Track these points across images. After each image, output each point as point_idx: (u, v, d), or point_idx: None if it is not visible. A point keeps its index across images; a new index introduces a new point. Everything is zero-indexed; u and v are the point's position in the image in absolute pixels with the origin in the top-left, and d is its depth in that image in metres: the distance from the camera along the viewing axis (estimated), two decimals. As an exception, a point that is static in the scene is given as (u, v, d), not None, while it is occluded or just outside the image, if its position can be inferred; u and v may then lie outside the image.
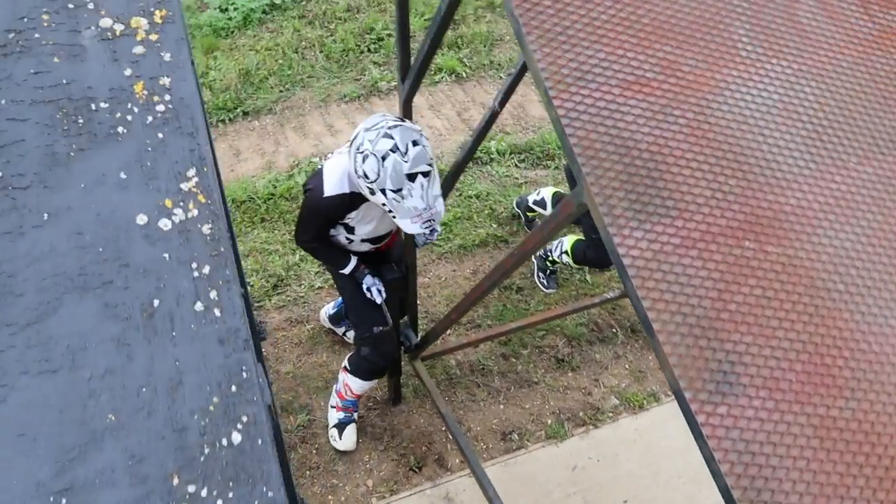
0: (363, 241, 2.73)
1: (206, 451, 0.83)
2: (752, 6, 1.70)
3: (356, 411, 3.15)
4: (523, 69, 2.49)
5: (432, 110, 5.13)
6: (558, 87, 1.43)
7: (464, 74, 5.31)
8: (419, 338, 3.02)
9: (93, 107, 0.95)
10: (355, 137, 2.26)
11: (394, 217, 2.26)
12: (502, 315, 3.78)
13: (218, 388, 0.86)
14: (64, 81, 0.96)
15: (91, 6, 1.00)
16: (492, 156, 4.71)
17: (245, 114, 4.88)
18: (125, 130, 0.95)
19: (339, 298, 3.55)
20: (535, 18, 1.49)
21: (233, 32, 5.17)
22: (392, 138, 2.16)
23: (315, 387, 3.36)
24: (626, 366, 3.60)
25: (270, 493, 0.82)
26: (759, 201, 1.44)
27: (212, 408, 0.85)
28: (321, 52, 5.14)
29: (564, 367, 3.55)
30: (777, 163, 1.51)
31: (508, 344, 3.64)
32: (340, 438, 3.11)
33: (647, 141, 1.43)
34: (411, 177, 2.17)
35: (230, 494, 0.82)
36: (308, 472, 2.99)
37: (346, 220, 2.58)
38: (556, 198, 3.98)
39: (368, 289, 2.75)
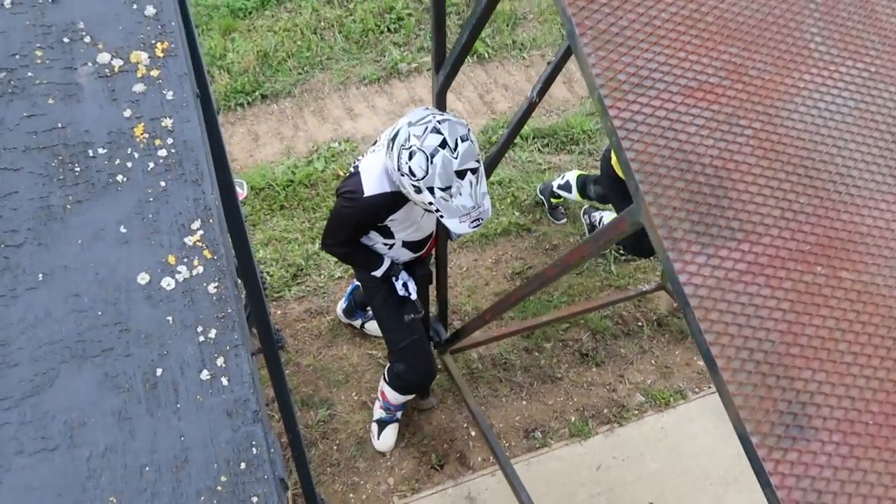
0: (404, 245, 2.62)
1: (214, 535, 0.77)
2: (825, 2, 1.54)
3: (399, 411, 3.11)
4: (564, 58, 2.32)
5: (453, 92, 5.00)
6: (614, 94, 1.31)
7: (486, 55, 5.16)
8: (448, 333, 2.95)
9: (90, 153, 0.88)
10: (397, 133, 2.15)
11: (441, 217, 2.17)
12: (524, 306, 3.71)
13: (226, 465, 0.80)
14: (59, 125, 0.89)
15: (88, 39, 0.92)
16: (514, 141, 4.59)
17: (263, 97, 4.80)
18: (125, 179, 0.88)
19: (350, 286, 3.51)
20: (589, 17, 1.37)
21: (250, 13, 5.06)
22: (440, 133, 2.06)
23: (335, 380, 3.34)
24: (653, 361, 3.52)
25: (282, 581, 0.77)
26: (833, 221, 1.32)
27: (219, 488, 0.79)
28: (340, 32, 5.02)
29: (588, 362, 3.48)
30: (852, 177, 1.38)
31: (531, 337, 3.57)
32: (378, 438, 3.09)
33: (711, 154, 1.32)
34: (460, 174, 2.07)
35: (240, 582, 0.76)
36: (329, 469, 2.97)
37: (387, 223, 2.46)
38: (581, 181, 3.88)
39: (405, 284, 2.66)
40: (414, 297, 2.69)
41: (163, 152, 0.90)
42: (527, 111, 2.34)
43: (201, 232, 0.87)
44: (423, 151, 2.06)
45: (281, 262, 3.85)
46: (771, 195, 1.31)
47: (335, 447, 3.08)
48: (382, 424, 3.09)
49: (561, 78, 5.21)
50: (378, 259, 2.62)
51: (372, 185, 2.31)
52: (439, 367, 3.15)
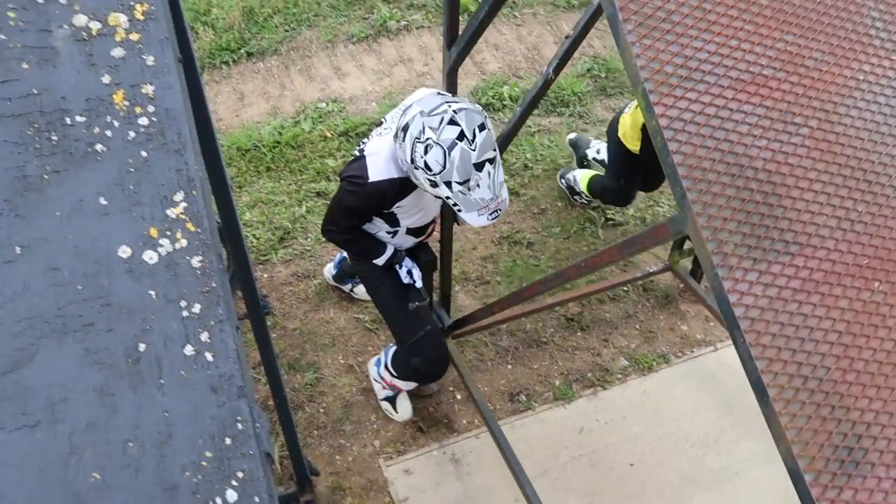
0: (408, 231, 2.52)
1: (200, 510, 0.77)
2: (887, -15, 1.41)
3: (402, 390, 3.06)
4: (583, 32, 2.16)
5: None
6: (660, 89, 1.19)
7: (477, 13, 5.07)
8: (452, 319, 2.86)
9: (67, 121, 0.85)
10: (408, 123, 2.03)
11: (458, 210, 2.08)
12: (511, 271, 3.71)
13: (211, 440, 0.79)
14: (34, 91, 0.85)
15: (63, 1, 0.88)
16: (504, 102, 4.54)
17: (249, 55, 4.69)
18: (104, 148, 0.85)
19: (339, 255, 3.47)
20: (634, 1, 1.23)
21: (235, -34, 4.91)
22: (458, 125, 1.94)
23: (322, 343, 3.35)
24: (637, 326, 3.55)
25: (268, 554, 0.77)
26: (892, 231, 1.22)
27: (204, 463, 0.79)
28: (327, -13, 4.89)
29: (574, 327, 3.51)
30: (915, 182, 1.26)
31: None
32: (397, 411, 3.03)
33: (764, 157, 1.21)
34: (479, 166, 1.97)
35: (226, 556, 0.76)
36: (315, 432, 3.00)
37: (394, 209, 2.36)
38: (592, 184, 3.82)
39: (409, 272, 2.57)
40: (419, 284, 2.60)
41: (144, 121, 0.87)
42: (542, 88, 2.22)
43: (184, 204, 0.85)
44: (440, 145, 1.95)
45: (267, 224, 3.82)
46: (827, 202, 1.21)
47: (322, 410, 3.11)
48: (392, 400, 3.04)
49: (551, 38, 5.13)
50: (381, 246, 2.52)
51: (378, 170, 2.21)
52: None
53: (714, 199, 1.17)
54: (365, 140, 2.38)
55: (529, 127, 4.47)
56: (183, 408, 0.80)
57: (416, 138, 1.99)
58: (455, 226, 2.87)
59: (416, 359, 2.68)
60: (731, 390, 3.26)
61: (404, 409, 3.01)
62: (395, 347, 2.84)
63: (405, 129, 2.03)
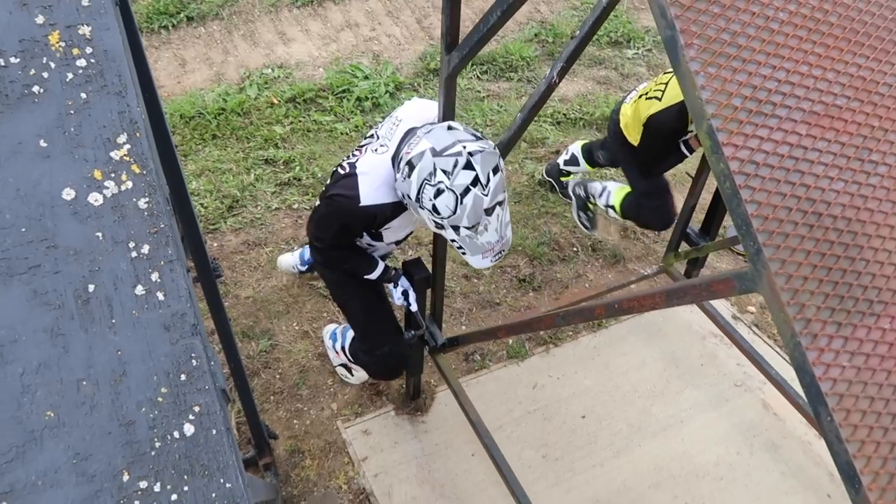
0: (388, 244, 2.40)
1: (157, 444, 0.79)
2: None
3: None
4: (589, 33, 1.97)
5: (390, 16, 4.87)
6: (729, 126, 1.06)
7: (423, -23, 5.01)
8: (445, 336, 2.71)
9: (1, 62, 0.83)
10: (417, 160, 1.86)
11: (463, 253, 1.99)
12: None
13: (166, 377, 0.81)
14: (-36, 31, 0.83)
15: (-11, -62, 0.86)
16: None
17: (189, 19, 4.56)
18: (42, 90, 0.84)
19: (302, 250, 3.34)
20: (696, 21, 1.09)
21: (170, -73, 4.73)
22: (473, 169, 1.82)
23: (276, 311, 3.33)
24: (587, 284, 3.65)
25: (228, 485, 0.79)
26: None
27: (160, 399, 0.80)
28: (269, -50, 4.77)
29: (526, 287, 3.58)
30: None
31: (469, 265, 3.63)
32: (352, 374, 3.02)
33: (842, 203, 1.09)
34: (489, 211, 1.86)
35: (185, 488, 0.78)
36: (272, 398, 3.00)
37: (381, 230, 2.25)
38: (587, 149, 3.77)
39: (405, 293, 2.40)
40: (415, 307, 2.43)
41: (82, 62, 0.85)
42: (545, 93, 2.05)
43: (128, 146, 0.85)
44: (454, 191, 1.82)
45: (215, 193, 3.76)
46: None
47: (278, 376, 3.11)
48: (347, 366, 3.02)
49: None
50: (373, 263, 2.38)
51: (371, 193, 2.06)
52: (428, 364, 2.99)
53: (792, 256, 1.04)
54: (354, 153, 2.20)
55: (479, 92, 4.49)
56: (136, 346, 0.80)
57: (426, 180, 1.85)
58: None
59: (373, 366, 2.67)
60: (676, 343, 3.40)
61: (360, 372, 3.01)
62: (352, 333, 2.80)
63: (411, 165, 1.89)
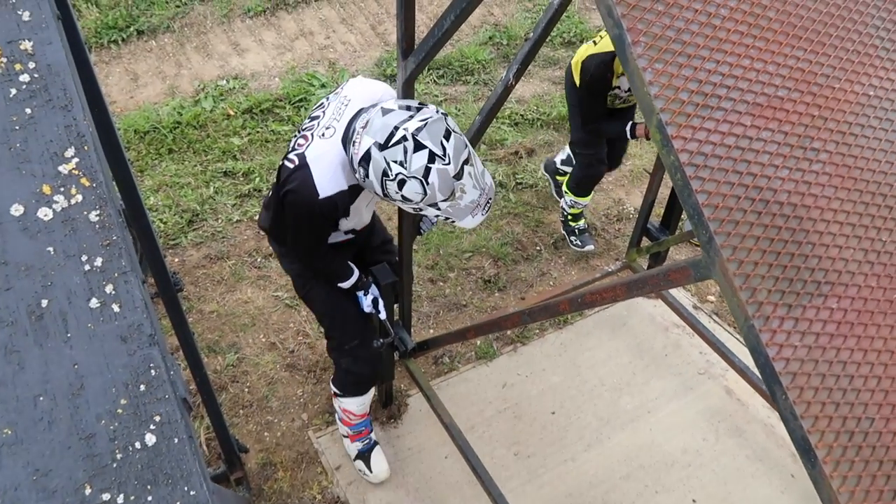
0: (345, 232, 2.30)
1: (119, 456, 0.78)
2: (885, -6, 1.38)
3: (371, 431, 2.82)
4: (543, 35, 1.98)
5: (345, 24, 4.87)
6: (678, 119, 1.09)
7: (376, -16, 5.03)
8: (414, 341, 2.68)
9: (-58, 79, 0.83)
10: (367, 158, 1.80)
11: (452, 222, 1.92)
12: (427, 238, 3.77)
13: (125, 388, 0.80)
14: None
15: (-76, -45, 0.85)
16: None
17: (140, 32, 4.50)
18: (-15, 106, 0.83)
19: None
20: (641, 19, 1.13)
21: (116, -60, 4.67)
22: (424, 147, 1.75)
23: (241, 324, 3.30)
24: (551, 282, 3.69)
25: (192, 492, 0.80)
26: None
27: (120, 410, 0.80)
28: (219, -39, 4.74)
29: (491, 288, 3.61)
30: (939, 201, 1.22)
31: (435, 268, 3.65)
32: (371, 471, 2.74)
33: (787, 189, 1.13)
34: (458, 175, 1.79)
35: (149, 498, 0.78)
36: (241, 412, 2.97)
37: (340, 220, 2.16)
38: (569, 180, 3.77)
39: (375, 300, 2.35)
40: (383, 315, 2.38)
41: (25, 77, 0.85)
42: (502, 96, 2.06)
43: (76, 160, 0.84)
44: (414, 177, 1.77)
45: (174, 208, 3.71)
46: (853, 234, 1.16)
47: (246, 389, 3.08)
48: (366, 456, 2.76)
49: (453, 8, 5.16)
50: (348, 269, 2.30)
51: (326, 183, 1.94)
52: (399, 370, 2.94)
53: (743, 242, 1.07)
54: (299, 141, 2.04)
55: (437, 96, 4.52)
56: (93, 359, 0.80)
57: (384, 176, 1.80)
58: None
59: (344, 360, 2.53)
60: (641, 335, 3.46)
61: (379, 465, 2.76)
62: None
63: (364, 166, 1.83)
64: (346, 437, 2.80)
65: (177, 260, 3.52)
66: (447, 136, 1.78)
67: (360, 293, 2.36)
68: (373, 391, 2.73)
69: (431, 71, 4.60)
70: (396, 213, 2.31)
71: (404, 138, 1.76)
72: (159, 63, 4.39)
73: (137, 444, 0.79)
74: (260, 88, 4.35)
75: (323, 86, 4.36)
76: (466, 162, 1.82)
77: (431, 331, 3.41)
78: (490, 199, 1.91)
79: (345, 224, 2.20)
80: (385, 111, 1.82)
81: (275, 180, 2.25)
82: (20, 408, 0.77)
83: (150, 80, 4.30)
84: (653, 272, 1.32)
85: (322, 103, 2.12)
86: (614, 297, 1.47)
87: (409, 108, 1.83)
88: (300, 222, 2.06)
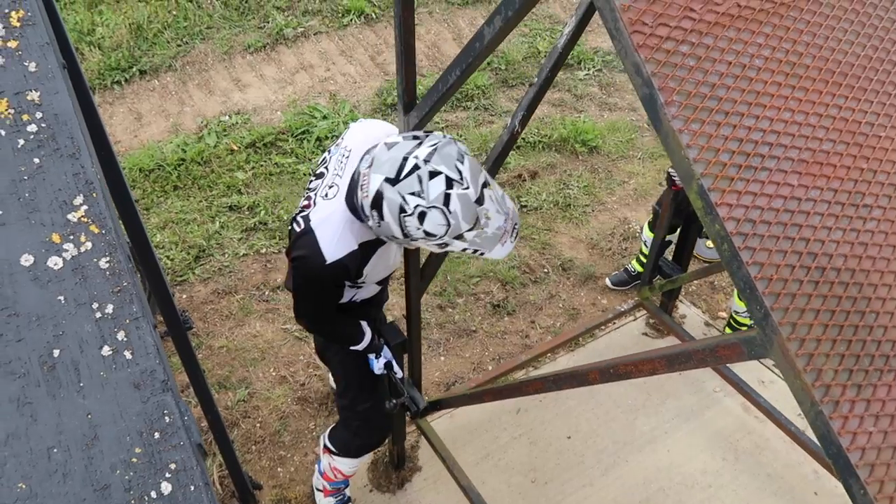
0: (370, 286, 2.22)
1: (134, 506, 0.77)
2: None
3: (347, 487, 2.73)
4: (548, 79, 1.89)
5: (344, 56, 4.93)
6: (720, 185, 1.01)
7: (373, 15, 5.09)
8: (427, 400, 2.56)
9: (-50, 133, 0.83)
10: (379, 198, 1.69)
11: (480, 255, 1.80)
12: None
13: (139, 437, 0.79)
14: (-90, 106, 0.82)
15: (-69, 11, 0.86)
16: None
17: (142, 73, 4.56)
18: (-7, 158, 0.83)
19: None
20: (673, 77, 1.05)
21: (117, -17, 4.76)
22: (439, 173, 1.65)
23: (251, 359, 3.29)
24: (560, 304, 3.67)
25: (210, 541, 0.78)
26: None
27: (135, 459, 0.78)
28: None
29: (501, 312, 3.59)
30: None
31: (444, 294, 3.64)
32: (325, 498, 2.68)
33: (843, 253, 1.05)
34: (480, 200, 1.69)
35: (166, 549, 0.77)
36: (254, 447, 2.95)
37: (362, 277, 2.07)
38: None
39: (388, 363, 2.28)
40: (399, 374, 2.31)
41: (32, 127, 0.85)
42: (508, 143, 1.96)
43: (85, 207, 0.84)
44: (435, 206, 1.65)
45: (181, 244, 3.72)
46: None
47: (258, 425, 3.05)
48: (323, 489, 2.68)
49: (450, 34, 5.22)
50: (360, 333, 2.24)
51: (333, 247, 1.87)
52: (411, 430, 2.89)
53: (802, 317, 0.98)
54: (305, 202, 1.99)
55: (437, 123, 4.54)
56: (106, 408, 0.79)
57: (402, 213, 1.68)
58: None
59: (355, 422, 2.44)
60: (653, 354, 3.43)
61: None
62: (331, 427, 2.61)
63: (377, 206, 1.71)
64: (321, 490, 2.71)
65: (185, 296, 3.52)
66: (461, 159, 1.69)
67: (372, 356, 2.30)
68: (370, 455, 2.63)
69: (432, 98, 4.64)
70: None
71: (416, 167, 1.65)
72: (162, 101, 4.44)
73: (153, 494, 0.78)
74: (262, 122, 4.38)
75: (325, 117, 4.39)
76: (485, 185, 1.73)
77: (442, 358, 3.39)
78: (516, 224, 1.80)
79: (372, 278, 2.11)
80: (390, 145, 1.73)
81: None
82: (34, 461, 0.76)
83: (154, 118, 4.34)
84: (698, 345, 1.21)
85: (325, 157, 2.08)
86: (653, 371, 1.37)
87: (415, 137, 1.75)
88: (308, 288, 2.00)
